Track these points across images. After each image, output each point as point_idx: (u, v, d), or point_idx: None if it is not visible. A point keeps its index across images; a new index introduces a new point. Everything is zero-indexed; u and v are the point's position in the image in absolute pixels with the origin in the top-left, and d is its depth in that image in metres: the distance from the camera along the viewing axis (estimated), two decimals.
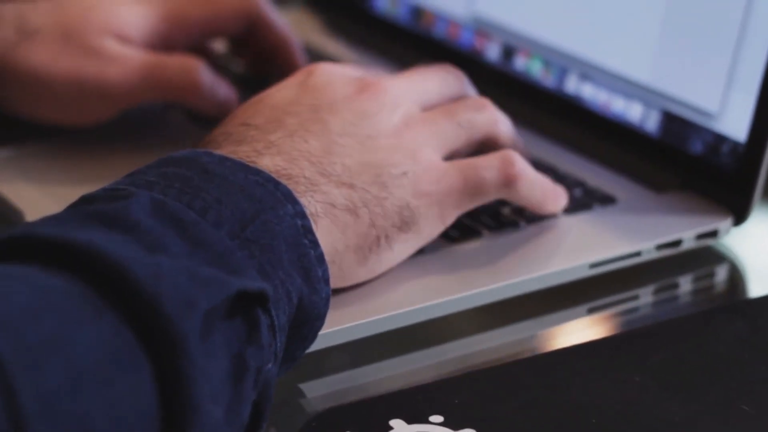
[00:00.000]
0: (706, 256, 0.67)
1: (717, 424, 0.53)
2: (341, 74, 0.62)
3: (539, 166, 0.71)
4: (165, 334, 0.46)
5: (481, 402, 0.54)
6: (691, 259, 0.67)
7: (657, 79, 0.71)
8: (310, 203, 0.56)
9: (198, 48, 0.77)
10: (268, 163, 0.56)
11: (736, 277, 0.67)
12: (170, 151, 0.72)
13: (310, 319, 0.54)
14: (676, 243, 0.65)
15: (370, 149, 0.59)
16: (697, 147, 0.69)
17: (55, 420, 0.43)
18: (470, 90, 0.66)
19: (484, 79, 0.79)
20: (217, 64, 0.77)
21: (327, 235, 0.56)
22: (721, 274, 0.67)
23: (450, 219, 0.60)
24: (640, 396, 0.55)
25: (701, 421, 0.54)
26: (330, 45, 0.88)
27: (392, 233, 0.58)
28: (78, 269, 0.46)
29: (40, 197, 0.68)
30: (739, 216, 0.67)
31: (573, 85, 0.75)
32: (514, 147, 0.64)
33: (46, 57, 0.70)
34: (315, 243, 0.54)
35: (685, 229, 0.66)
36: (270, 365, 0.51)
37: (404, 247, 0.59)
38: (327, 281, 0.54)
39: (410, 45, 0.85)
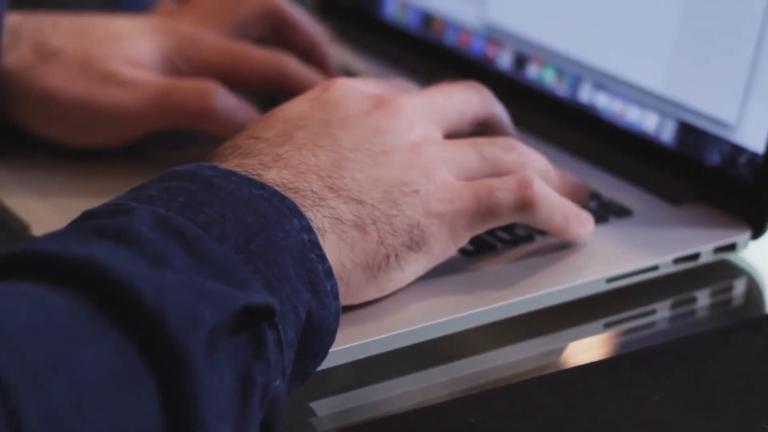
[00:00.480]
0: (724, 270, 0.66)
1: None
2: (358, 90, 0.60)
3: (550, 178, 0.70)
4: (170, 351, 0.45)
5: (496, 421, 0.53)
6: (709, 273, 0.65)
7: (672, 88, 0.70)
8: (316, 217, 0.55)
9: None
10: (274, 176, 0.55)
11: (755, 292, 0.66)
12: (180, 163, 0.72)
13: (319, 335, 0.53)
14: (694, 257, 0.64)
15: (383, 165, 0.57)
16: (714, 158, 0.67)
17: None
18: (495, 107, 0.64)
19: (495, 87, 0.78)
20: None
21: (334, 251, 0.55)
22: (739, 288, 0.66)
23: (462, 240, 0.59)
24: (659, 415, 0.54)
25: None
26: (340, 52, 0.87)
27: (402, 252, 0.57)
28: (80, 285, 0.46)
29: (47, 210, 0.67)
30: (758, 229, 0.66)
31: (587, 95, 0.74)
32: (549, 185, 0.61)
33: (61, 80, 0.69)
34: (323, 257, 0.53)
35: (702, 243, 0.65)
36: (278, 382, 0.50)
37: (414, 267, 0.58)
38: (336, 296, 0.53)
39: (420, 53, 0.84)
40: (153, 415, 0.45)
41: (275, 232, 0.52)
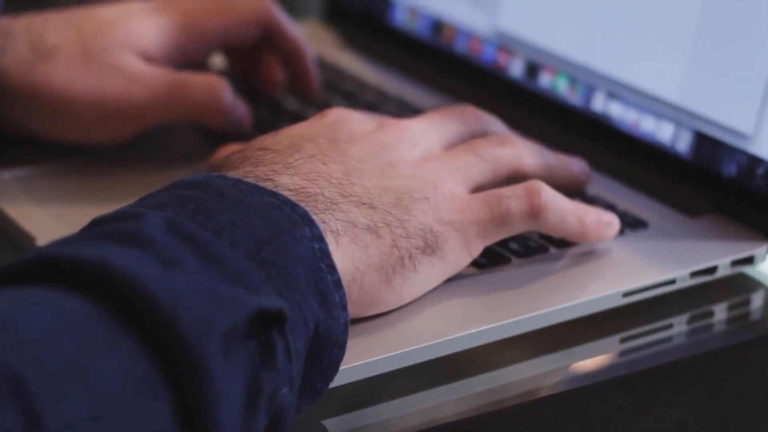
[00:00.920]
0: (742, 284, 0.65)
1: None
2: (358, 115, 0.61)
3: (565, 189, 0.69)
4: (184, 356, 0.45)
5: None
6: (726, 287, 0.64)
7: (688, 98, 0.68)
8: (330, 220, 0.54)
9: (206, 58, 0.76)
10: (287, 181, 0.55)
11: None
12: (185, 172, 0.71)
13: (328, 347, 0.52)
14: (711, 270, 0.63)
15: (390, 176, 0.57)
16: (731, 169, 0.66)
17: None
18: (494, 126, 0.64)
19: (507, 96, 0.78)
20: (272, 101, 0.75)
21: (347, 253, 0.54)
22: (757, 302, 0.65)
23: (476, 250, 0.58)
24: None
25: None
26: (347, 60, 0.86)
27: (416, 254, 0.56)
28: (93, 289, 0.45)
29: (52, 222, 0.66)
30: None
31: (600, 104, 0.73)
32: (549, 179, 0.61)
33: (66, 77, 0.68)
34: (332, 267, 0.52)
35: (720, 256, 0.63)
36: (284, 390, 0.49)
37: (430, 270, 0.57)
38: (344, 307, 0.53)
39: (430, 60, 0.83)
40: (169, 421, 0.45)
41: (286, 240, 0.51)
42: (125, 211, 0.51)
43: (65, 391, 0.42)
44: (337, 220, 0.54)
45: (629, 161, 0.71)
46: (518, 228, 0.59)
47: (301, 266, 0.51)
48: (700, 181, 0.68)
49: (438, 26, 0.83)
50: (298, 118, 0.76)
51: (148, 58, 0.70)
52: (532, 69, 0.77)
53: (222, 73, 0.81)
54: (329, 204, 0.55)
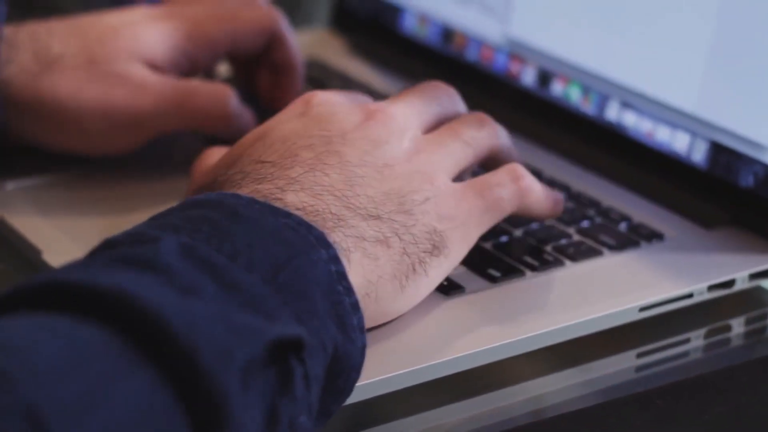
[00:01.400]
0: (760, 297, 0.64)
1: None
2: (341, 102, 0.60)
3: (580, 199, 0.68)
4: (203, 388, 0.44)
5: None
6: (744, 300, 0.63)
7: (704, 108, 0.67)
8: (341, 239, 0.53)
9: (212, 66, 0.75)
10: (293, 199, 0.54)
11: None
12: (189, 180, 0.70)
13: (345, 370, 0.51)
14: (729, 283, 0.62)
15: (388, 178, 0.57)
16: (747, 180, 0.65)
17: None
18: (461, 106, 0.64)
19: (518, 105, 0.76)
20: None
21: (359, 269, 0.53)
22: None
23: (473, 239, 0.58)
24: None
25: None
26: (355, 67, 0.85)
27: (425, 258, 0.56)
28: (109, 317, 0.44)
29: (59, 234, 0.65)
30: None
31: (614, 113, 0.72)
32: (514, 157, 0.63)
33: (71, 87, 0.67)
34: (349, 290, 0.52)
35: (737, 269, 0.62)
36: (303, 417, 0.48)
37: (438, 271, 0.57)
38: (362, 330, 0.52)
39: (440, 68, 0.82)
40: None
41: (303, 263, 0.50)
42: (139, 233, 0.50)
43: (82, 423, 0.41)
44: (347, 237, 0.54)
45: (644, 172, 0.70)
46: (508, 212, 0.60)
47: (318, 289, 0.50)
48: (717, 192, 0.66)
49: (448, 33, 0.82)
50: None
51: (154, 66, 0.69)
52: (545, 77, 0.76)
53: (228, 80, 0.80)
54: (337, 221, 0.54)
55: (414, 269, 0.55)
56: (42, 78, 0.67)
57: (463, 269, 0.60)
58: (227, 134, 0.69)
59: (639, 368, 0.60)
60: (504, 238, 0.63)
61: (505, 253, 0.62)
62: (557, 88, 0.75)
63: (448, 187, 0.58)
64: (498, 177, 0.59)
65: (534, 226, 0.64)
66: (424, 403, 0.56)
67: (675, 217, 0.67)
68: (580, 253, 0.62)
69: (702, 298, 0.61)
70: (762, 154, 0.64)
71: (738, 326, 0.63)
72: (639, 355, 0.60)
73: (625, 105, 0.71)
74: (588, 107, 0.73)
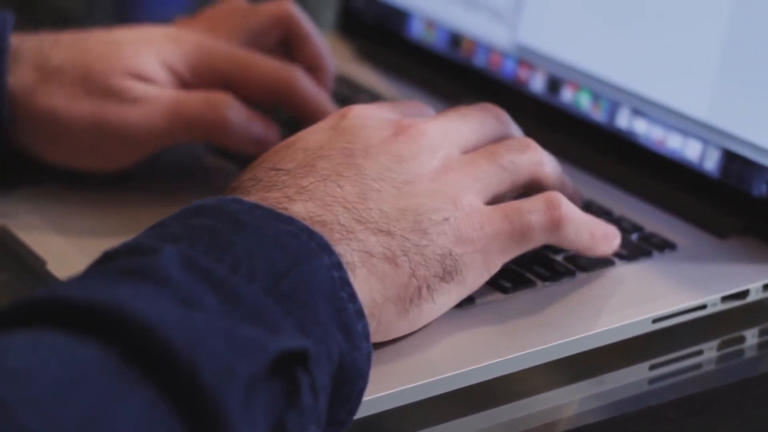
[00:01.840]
0: None
1: None
2: (376, 117, 0.58)
3: (590, 208, 0.67)
4: (204, 405, 0.43)
5: None
6: (758, 311, 0.62)
7: (716, 115, 0.66)
8: (346, 252, 0.52)
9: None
10: (300, 209, 0.53)
11: None
12: (198, 189, 0.69)
13: (351, 378, 0.50)
14: (743, 294, 0.61)
15: (407, 195, 0.55)
16: (760, 189, 0.64)
17: None
18: (513, 129, 0.62)
19: (527, 112, 0.75)
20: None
21: (365, 286, 0.52)
22: None
23: (495, 267, 0.57)
24: None
25: None
26: (363, 73, 0.84)
27: (434, 283, 0.54)
28: (108, 333, 0.43)
29: (63, 243, 0.64)
30: None
31: (625, 121, 0.71)
32: (563, 189, 0.60)
33: (65, 99, 0.66)
34: (353, 296, 0.51)
35: (751, 279, 0.61)
36: (312, 428, 0.47)
37: (447, 298, 0.55)
38: (367, 337, 0.51)
39: (448, 74, 0.81)
40: None
41: (305, 271, 0.49)
42: (138, 244, 0.49)
43: None
44: (353, 251, 0.52)
45: (655, 180, 0.69)
46: (537, 242, 0.57)
47: (321, 297, 0.49)
48: (729, 201, 0.66)
49: (456, 39, 0.81)
50: None
51: (155, 83, 0.67)
52: (554, 84, 0.75)
53: None
54: (345, 233, 0.53)
55: (420, 294, 0.54)
56: (39, 89, 0.66)
57: None
58: (231, 144, 0.68)
59: (652, 380, 0.59)
60: None
61: (517, 263, 0.61)
62: (567, 94, 0.74)
63: (473, 209, 0.56)
64: (531, 203, 0.57)
65: None
66: (435, 417, 0.55)
67: (687, 226, 0.66)
68: (591, 264, 0.61)
69: (715, 309, 0.60)
70: None
71: (752, 337, 0.62)
72: (652, 367, 0.59)
73: (636, 112, 0.70)
74: (598, 114, 0.72)
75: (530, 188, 0.60)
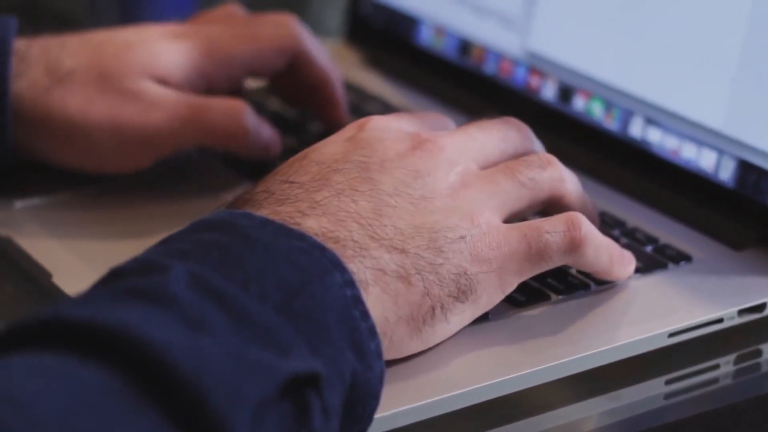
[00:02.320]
0: None
1: None
2: (394, 129, 0.57)
3: (604, 219, 0.66)
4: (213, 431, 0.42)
5: None
6: None
7: (732, 125, 0.65)
8: (359, 269, 0.51)
9: (235, 86, 0.73)
10: (313, 224, 0.52)
11: None
12: (205, 200, 0.68)
13: (363, 398, 0.49)
14: (760, 308, 0.60)
15: (423, 211, 0.54)
16: None
17: None
18: (535, 144, 0.61)
19: (539, 120, 0.74)
20: (252, 101, 0.72)
21: (377, 305, 0.51)
22: None
23: (510, 287, 0.55)
24: None
25: None
26: (371, 80, 0.83)
27: (448, 303, 0.53)
28: (113, 356, 0.42)
29: (69, 255, 0.63)
30: None
31: (638, 130, 0.70)
32: (583, 207, 0.59)
33: (81, 102, 0.65)
34: (365, 314, 0.50)
35: None
36: None
37: (460, 318, 0.54)
38: (380, 356, 0.50)
39: (457, 82, 0.80)
40: None
41: (317, 289, 0.48)
42: (146, 261, 0.48)
43: None
44: (366, 268, 0.51)
45: (669, 190, 0.68)
46: (555, 263, 0.56)
47: (333, 316, 0.48)
48: (745, 212, 0.65)
49: (466, 46, 0.80)
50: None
51: (168, 84, 0.67)
52: (566, 92, 0.74)
53: (257, 91, 0.78)
54: (358, 250, 0.52)
55: (434, 313, 0.53)
56: (52, 92, 0.65)
57: None
58: (246, 151, 0.68)
59: (668, 395, 0.58)
60: None
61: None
62: (579, 103, 0.73)
63: (490, 228, 0.55)
64: (551, 223, 0.56)
65: None
66: None
67: (702, 237, 0.65)
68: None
69: (732, 323, 0.59)
70: None
71: None
72: (668, 382, 0.58)
73: (650, 121, 0.69)
74: (611, 123, 0.71)
75: (550, 205, 0.59)
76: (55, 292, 0.60)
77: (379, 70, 0.85)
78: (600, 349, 0.56)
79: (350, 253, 0.51)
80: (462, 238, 0.54)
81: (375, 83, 0.83)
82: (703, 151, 0.67)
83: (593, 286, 0.60)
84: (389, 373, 0.52)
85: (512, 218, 0.57)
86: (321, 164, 0.55)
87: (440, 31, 0.82)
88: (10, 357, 0.42)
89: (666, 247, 0.64)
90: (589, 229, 0.56)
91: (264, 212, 0.53)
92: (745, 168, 0.65)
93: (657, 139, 0.69)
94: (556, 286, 0.60)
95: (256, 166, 0.70)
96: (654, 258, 0.63)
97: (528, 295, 0.59)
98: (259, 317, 0.46)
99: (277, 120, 0.69)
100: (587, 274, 0.60)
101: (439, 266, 0.53)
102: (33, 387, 0.40)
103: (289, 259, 0.49)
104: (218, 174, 0.72)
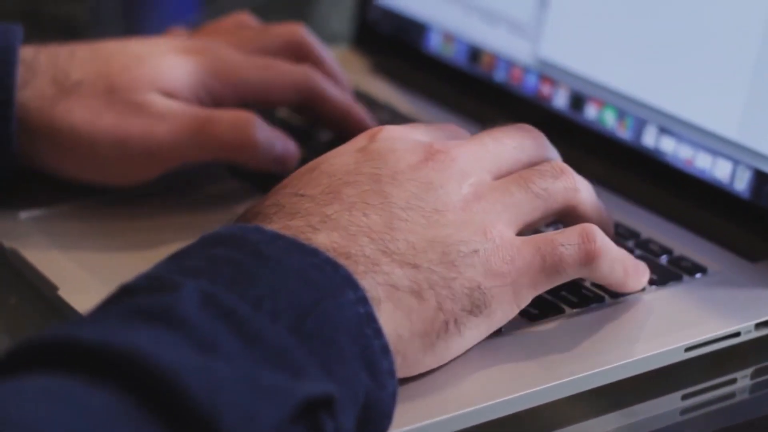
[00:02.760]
0: None
1: None
2: (406, 140, 0.56)
3: (617, 229, 0.65)
4: None
5: None
6: None
7: (747, 134, 0.64)
8: (371, 286, 0.50)
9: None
10: (324, 239, 0.51)
11: None
12: (212, 210, 0.67)
13: (376, 418, 0.48)
14: None
15: (436, 224, 0.53)
16: None
17: None
18: (551, 152, 0.60)
19: (550, 128, 0.73)
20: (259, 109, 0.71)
21: (390, 321, 0.50)
22: None
23: (524, 301, 0.54)
24: None
25: None
26: (378, 87, 0.82)
27: (462, 317, 0.52)
28: (123, 380, 0.41)
29: (75, 268, 0.62)
30: None
31: (652, 139, 0.69)
32: (598, 217, 0.58)
33: (87, 113, 0.64)
34: (378, 332, 0.49)
35: None
36: None
37: (475, 332, 0.53)
38: (392, 374, 0.49)
39: (467, 89, 0.79)
40: None
41: (330, 307, 0.48)
42: (157, 278, 0.47)
43: None
44: (378, 284, 0.51)
45: (683, 201, 0.67)
46: (570, 276, 0.55)
47: (346, 334, 0.47)
48: (761, 223, 0.64)
49: (475, 53, 0.79)
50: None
51: (175, 99, 0.66)
52: (578, 100, 0.73)
53: None
54: (370, 266, 0.51)
55: (447, 328, 0.52)
56: (58, 103, 0.65)
57: None
58: (255, 164, 0.66)
59: (684, 411, 0.57)
60: None
61: None
62: (591, 111, 0.72)
63: (503, 241, 0.54)
64: (565, 236, 0.55)
65: None
66: None
67: (717, 248, 0.64)
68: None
69: (749, 337, 0.58)
70: None
71: None
72: (684, 397, 0.57)
73: (663, 130, 0.68)
74: (624, 132, 0.70)
75: (564, 215, 0.58)
76: (61, 305, 0.59)
77: (387, 77, 0.84)
78: (615, 365, 0.55)
79: (362, 268, 0.51)
80: (475, 251, 0.53)
81: (382, 90, 0.82)
82: (717, 160, 0.66)
83: (607, 299, 0.59)
84: (402, 389, 0.51)
85: (526, 229, 0.56)
86: (332, 176, 0.54)
87: (449, 37, 0.81)
88: (19, 378, 0.41)
89: (681, 258, 0.63)
90: (603, 242, 0.55)
91: (275, 226, 0.52)
92: (761, 178, 0.64)
93: (671, 148, 0.68)
94: (570, 299, 0.59)
95: (263, 176, 0.69)
96: (668, 270, 0.62)
97: (542, 308, 0.58)
98: (271, 338, 0.45)
99: (284, 129, 0.68)
100: (601, 287, 0.59)
101: (452, 280, 0.52)
102: (42, 412, 0.39)
103: (302, 275, 0.48)
104: (225, 183, 0.71)
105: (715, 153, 0.66)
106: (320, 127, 0.75)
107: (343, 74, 0.73)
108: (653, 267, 0.61)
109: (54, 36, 0.69)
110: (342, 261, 0.50)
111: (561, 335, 0.57)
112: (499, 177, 0.57)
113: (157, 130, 0.65)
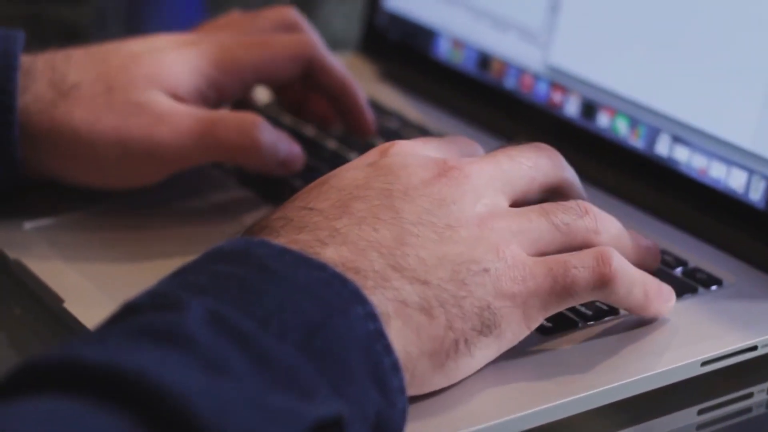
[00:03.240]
0: None
1: None
2: (419, 155, 0.55)
3: None
4: None
5: None
6: None
7: (762, 143, 0.63)
8: (380, 302, 0.49)
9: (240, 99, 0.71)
10: (332, 254, 0.50)
11: None
12: (217, 219, 0.67)
13: None
14: None
15: (448, 241, 0.52)
16: None
17: None
18: (567, 173, 0.58)
19: (561, 137, 0.73)
20: (265, 116, 0.70)
21: (399, 339, 0.49)
22: None
23: (536, 322, 0.53)
24: None
25: None
26: (387, 94, 0.81)
27: (471, 337, 0.51)
28: (130, 402, 0.40)
29: (80, 279, 0.61)
30: None
31: (665, 148, 0.68)
32: (624, 251, 0.56)
33: (87, 115, 0.63)
34: (388, 348, 0.48)
35: None
36: None
37: (485, 353, 0.52)
38: (403, 391, 0.48)
39: (476, 96, 0.78)
40: None
41: (339, 323, 0.47)
42: (162, 295, 0.46)
43: None
44: (388, 300, 0.49)
45: (697, 211, 0.66)
46: (583, 299, 0.54)
47: (355, 351, 0.47)
48: None
49: (485, 60, 0.78)
50: (337, 158, 0.72)
51: (177, 96, 0.65)
52: (589, 108, 0.72)
53: (268, 107, 0.76)
54: (380, 281, 0.50)
55: (457, 347, 0.51)
56: (57, 107, 0.64)
57: None
58: (260, 167, 0.66)
59: (700, 426, 0.56)
60: None
61: None
62: (603, 119, 0.71)
63: (515, 261, 0.52)
64: (580, 258, 0.53)
65: None
66: None
67: (733, 260, 0.63)
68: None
69: (766, 351, 0.57)
70: None
71: None
72: (700, 412, 0.56)
73: (677, 139, 0.67)
74: (636, 141, 0.69)
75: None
76: (66, 317, 0.58)
77: (395, 84, 0.83)
78: (630, 379, 0.54)
79: (371, 284, 0.50)
80: (486, 270, 0.52)
81: (390, 97, 0.81)
82: (732, 170, 0.65)
83: (622, 312, 0.58)
84: (413, 406, 0.50)
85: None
86: (341, 190, 0.53)
87: (458, 44, 0.80)
88: (23, 401, 0.40)
89: (696, 270, 0.62)
90: (620, 265, 0.54)
91: (282, 240, 0.51)
92: None
93: (684, 157, 0.67)
94: (584, 313, 0.58)
95: (271, 185, 0.68)
96: (684, 282, 0.61)
97: (555, 322, 0.57)
98: (280, 358, 0.44)
99: (291, 137, 0.67)
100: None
101: (462, 299, 0.51)
102: None
103: (309, 291, 0.47)
104: (233, 192, 0.70)
105: (729, 162, 0.65)
106: (327, 135, 0.74)
107: (352, 78, 0.72)
108: (668, 279, 0.60)
109: (56, 41, 0.68)
110: (351, 276, 0.49)
111: (575, 350, 0.56)
112: (513, 196, 0.55)
113: (157, 131, 0.63)
